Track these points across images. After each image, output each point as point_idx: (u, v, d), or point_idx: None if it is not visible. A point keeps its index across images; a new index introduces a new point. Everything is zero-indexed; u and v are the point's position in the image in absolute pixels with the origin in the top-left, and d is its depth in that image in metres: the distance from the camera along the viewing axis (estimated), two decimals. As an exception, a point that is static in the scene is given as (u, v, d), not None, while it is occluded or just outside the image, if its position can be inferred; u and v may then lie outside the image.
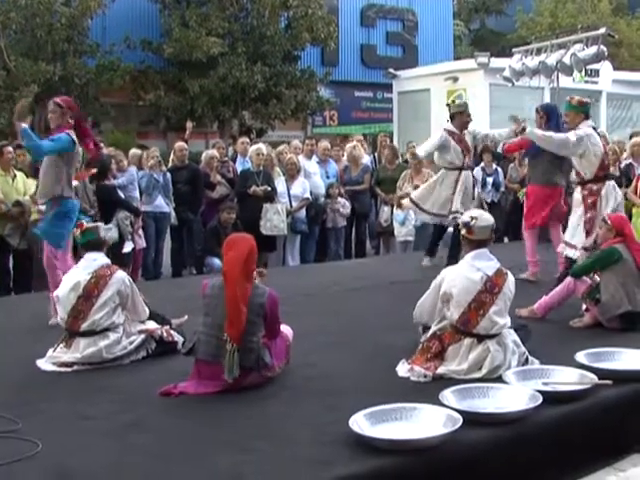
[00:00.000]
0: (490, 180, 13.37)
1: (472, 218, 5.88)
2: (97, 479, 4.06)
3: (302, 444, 4.40)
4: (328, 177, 13.46)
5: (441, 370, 5.60)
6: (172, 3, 27.24)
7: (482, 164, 13.56)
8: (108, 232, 9.94)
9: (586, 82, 19.53)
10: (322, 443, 4.40)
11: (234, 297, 5.32)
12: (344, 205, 13.15)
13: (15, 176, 10.27)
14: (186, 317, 7.04)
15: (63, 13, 23.88)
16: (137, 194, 11.40)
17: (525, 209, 9.61)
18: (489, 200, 12.77)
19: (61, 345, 6.20)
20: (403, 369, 5.72)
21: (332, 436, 4.46)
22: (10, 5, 23.34)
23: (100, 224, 7.10)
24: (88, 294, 6.16)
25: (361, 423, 4.47)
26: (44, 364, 6.13)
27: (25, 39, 23.95)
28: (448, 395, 4.89)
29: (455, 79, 20.40)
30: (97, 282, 6.20)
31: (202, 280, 5.94)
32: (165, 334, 6.44)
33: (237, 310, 5.31)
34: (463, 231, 5.87)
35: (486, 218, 5.93)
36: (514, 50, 16.55)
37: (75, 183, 10.17)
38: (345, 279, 9.03)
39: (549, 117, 9.30)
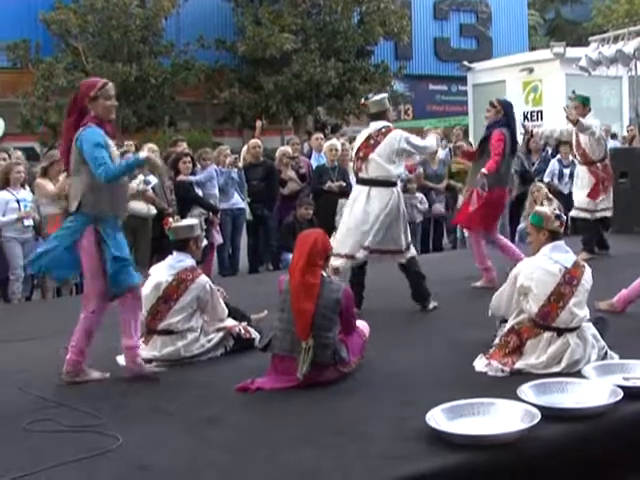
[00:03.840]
0: (567, 172, 13.08)
1: (559, 209, 5.81)
2: (174, 474, 4.11)
3: (379, 439, 4.40)
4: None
5: (519, 365, 5.54)
6: (245, 1, 27.41)
7: (558, 156, 13.36)
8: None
9: (665, 70, 19.12)
10: (399, 438, 4.39)
11: (297, 294, 5.39)
12: (422, 200, 13.11)
13: None
14: (265, 312, 7.07)
15: (138, 15, 24.27)
16: (216, 191, 11.46)
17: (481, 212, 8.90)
18: (566, 192, 12.49)
19: (140, 341, 6.28)
20: (480, 364, 5.68)
21: (409, 431, 4.45)
22: (87, 9, 23.82)
23: (184, 223, 6.66)
24: (167, 296, 6.20)
25: (438, 418, 4.44)
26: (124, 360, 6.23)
27: (102, 41, 24.38)
28: (526, 390, 4.84)
29: (531, 70, 20.18)
30: (178, 285, 6.21)
31: (278, 276, 5.97)
32: (242, 331, 6.47)
33: (300, 307, 5.36)
34: (555, 224, 5.74)
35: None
36: (590, 39, 16.26)
37: (154, 180, 10.30)
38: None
39: (505, 112, 9.01)
